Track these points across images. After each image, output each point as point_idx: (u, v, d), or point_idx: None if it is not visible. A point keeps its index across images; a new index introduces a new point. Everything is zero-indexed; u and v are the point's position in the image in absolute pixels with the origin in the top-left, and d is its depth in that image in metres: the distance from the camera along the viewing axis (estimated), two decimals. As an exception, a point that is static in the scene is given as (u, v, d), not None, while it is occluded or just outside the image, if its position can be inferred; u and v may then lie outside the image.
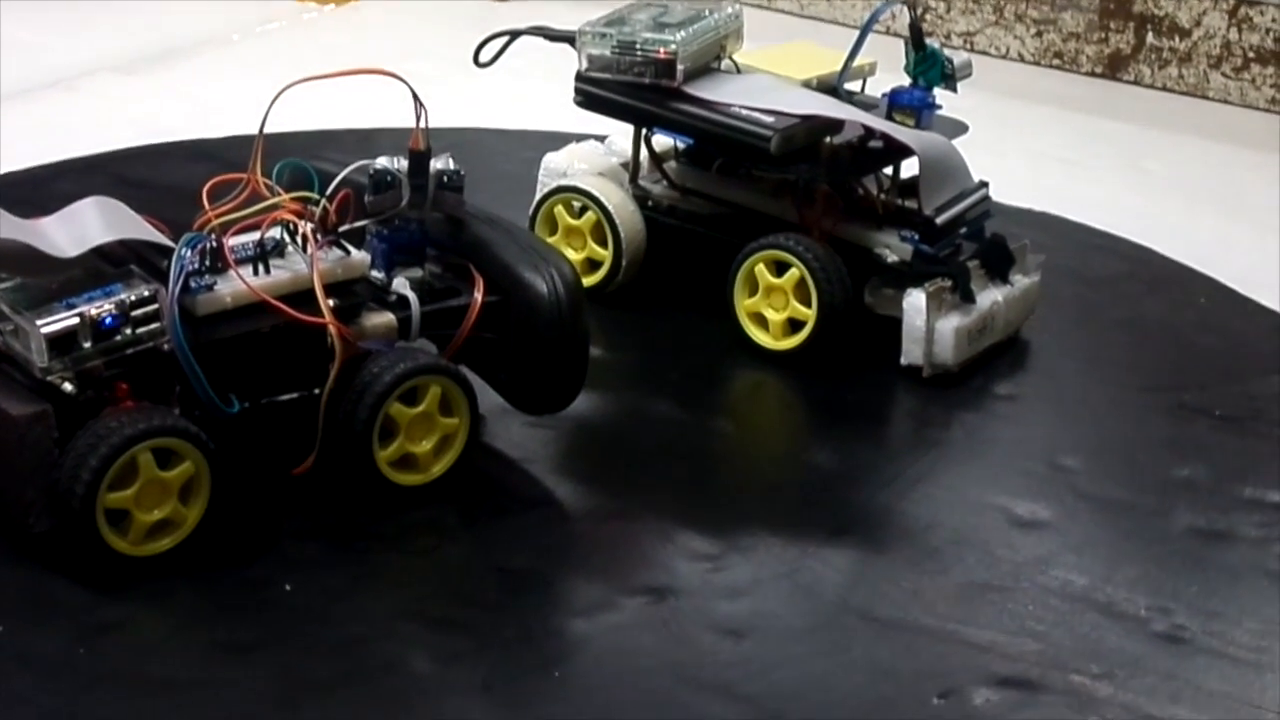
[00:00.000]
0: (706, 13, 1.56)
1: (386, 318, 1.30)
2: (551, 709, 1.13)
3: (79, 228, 1.25)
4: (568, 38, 1.57)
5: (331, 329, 1.25)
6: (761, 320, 1.55)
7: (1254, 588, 1.29)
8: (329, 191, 1.30)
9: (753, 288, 1.54)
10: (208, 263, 1.23)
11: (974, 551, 1.30)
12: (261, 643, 1.16)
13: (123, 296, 1.20)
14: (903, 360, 1.51)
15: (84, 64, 2.14)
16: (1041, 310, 1.61)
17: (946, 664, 1.18)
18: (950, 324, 1.50)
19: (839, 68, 1.59)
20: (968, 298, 1.52)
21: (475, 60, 1.59)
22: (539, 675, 1.16)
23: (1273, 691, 1.18)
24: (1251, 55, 2.24)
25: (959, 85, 1.58)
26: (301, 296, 1.25)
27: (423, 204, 1.33)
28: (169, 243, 1.25)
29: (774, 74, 1.59)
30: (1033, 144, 2.07)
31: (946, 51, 1.57)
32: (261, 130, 1.29)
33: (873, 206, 1.57)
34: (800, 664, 1.18)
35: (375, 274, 1.32)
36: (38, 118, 1.98)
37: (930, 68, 1.56)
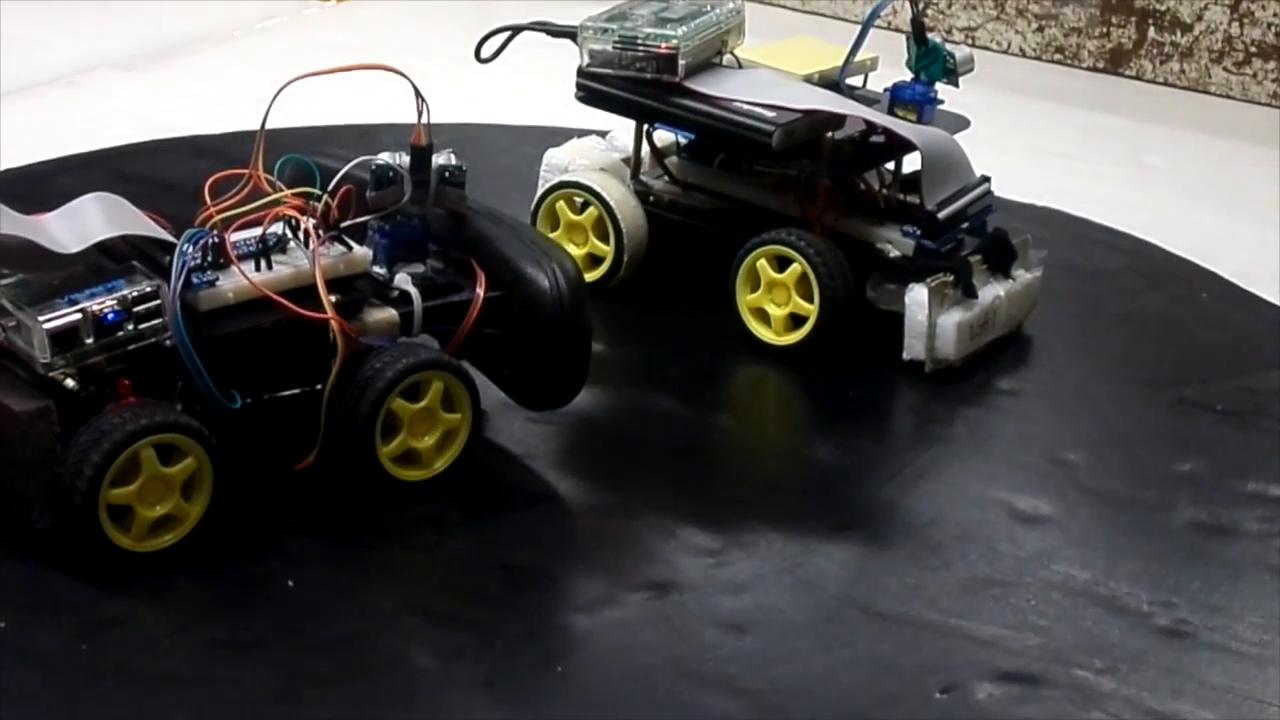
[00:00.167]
0: (708, 8, 1.56)
1: (388, 313, 1.30)
2: (554, 704, 1.13)
3: (81, 224, 1.25)
4: (569, 33, 1.57)
5: (333, 325, 1.25)
6: (763, 315, 1.54)
7: (1256, 582, 1.29)
8: (331, 187, 1.30)
9: (755, 283, 1.54)
10: (210, 258, 1.23)
11: (976, 546, 1.30)
12: (263, 639, 1.16)
13: (125, 292, 1.20)
14: (905, 355, 1.51)
15: (85, 60, 2.14)
16: (1043, 305, 1.61)
17: (949, 659, 1.18)
18: (952, 319, 1.50)
19: (841, 63, 1.59)
20: (969, 293, 1.52)
21: (477, 56, 1.59)
22: (541, 671, 1.16)
23: (1275, 685, 1.18)
24: (1253, 50, 2.24)
25: (961, 80, 1.58)
26: (304, 292, 1.25)
27: (425, 199, 1.33)
28: (171, 238, 1.25)
29: (776, 69, 1.59)
30: (1034, 139, 2.06)
31: (948, 46, 1.57)
32: (263, 126, 1.29)
33: (874, 201, 1.57)
34: (802, 659, 1.18)
35: (377, 269, 1.32)
36: (38, 114, 1.98)
37: (932, 63, 1.56)
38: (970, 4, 2.37)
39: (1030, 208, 1.82)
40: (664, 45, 1.52)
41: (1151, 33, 2.29)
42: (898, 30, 1.65)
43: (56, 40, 2.20)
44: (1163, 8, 2.28)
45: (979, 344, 1.54)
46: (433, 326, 1.33)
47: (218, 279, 1.23)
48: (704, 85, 1.54)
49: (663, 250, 1.62)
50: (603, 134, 1.70)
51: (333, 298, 1.26)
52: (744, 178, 1.61)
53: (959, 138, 1.57)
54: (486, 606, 1.21)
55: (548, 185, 1.63)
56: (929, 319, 1.49)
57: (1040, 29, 2.34)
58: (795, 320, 1.53)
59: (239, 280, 1.23)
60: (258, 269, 1.24)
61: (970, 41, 2.33)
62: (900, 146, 1.55)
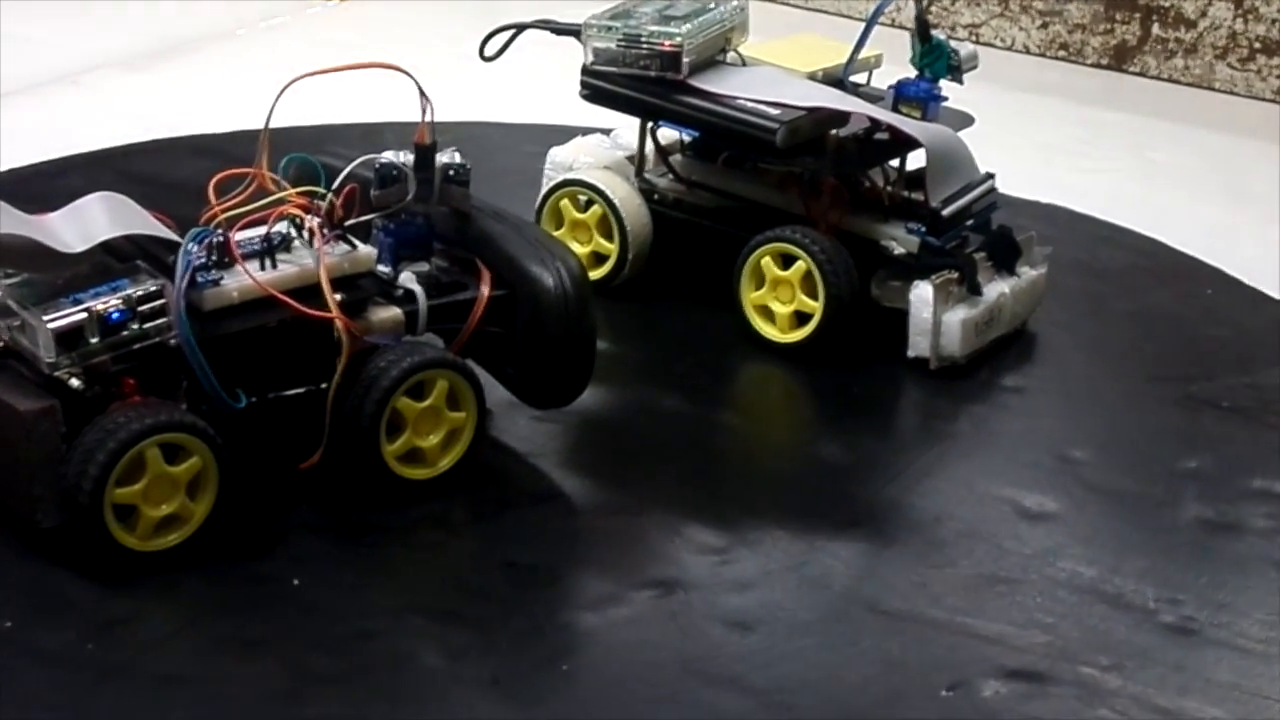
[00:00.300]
0: (712, 5, 1.56)
1: (393, 312, 1.30)
2: (560, 703, 1.13)
3: (85, 223, 1.25)
4: (573, 31, 1.57)
5: (338, 323, 1.25)
6: (768, 313, 1.54)
7: (1263, 578, 1.28)
8: (335, 186, 1.30)
9: (759, 281, 1.54)
10: (214, 258, 1.23)
11: (982, 544, 1.30)
12: (269, 638, 1.16)
13: (130, 292, 1.20)
14: (910, 352, 1.51)
15: (88, 60, 2.14)
16: (1048, 302, 1.61)
17: (955, 656, 1.18)
18: (957, 316, 1.50)
19: (844, 60, 1.59)
20: (974, 290, 1.52)
21: (480, 54, 1.58)
22: (547, 669, 1.16)
23: (1282, 682, 1.18)
24: (1258, 46, 2.24)
25: (965, 77, 1.57)
26: (308, 291, 1.25)
27: (429, 198, 1.33)
28: (175, 237, 1.25)
29: (779, 66, 1.58)
30: (1038, 136, 2.06)
31: (952, 43, 1.57)
32: (267, 125, 1.29)
33: (879, 199, 1.57)
34: (809, 656, 1.18)
35: (381, 268, 1.32)
36: (42, 114, 1.98)
37: (936, 60, 1.56)
38: (974, 1, 2.37)
39: (1035, 204, 1.82)
40: (668, 43, 1.52)
41: (1156, 29, 2.29)
42: (901, 27, 1.65)
43: (60, 40, 2.20)
44: (1167, 4, 2.27)
45: (984, 341, 1.53)
46: (437, 325, 1.33)
47: (222, 278, 1.23)
48: (708, 83, 1.53)
49: (667, 248, 1.61)
50: (607, 132, 1.70)
51: (337, 297, 1.26)
52: (748, 175, 1.61)
53: (963, 135, 1.56)
54: (492, 605, 1.21)
55: (552, 183, 1.63)
56: (934, 316, 1.49)
57: (1044, 25, 2.34)
58: (800, 318, 1.53)
59: (244, 279, 1.23)
60: (262, 268, 1.24)
61: (974, 38, 2.33)
62: (905, 144, 1.55)
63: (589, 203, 1.61)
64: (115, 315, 1.19)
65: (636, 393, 1.49)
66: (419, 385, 1.28)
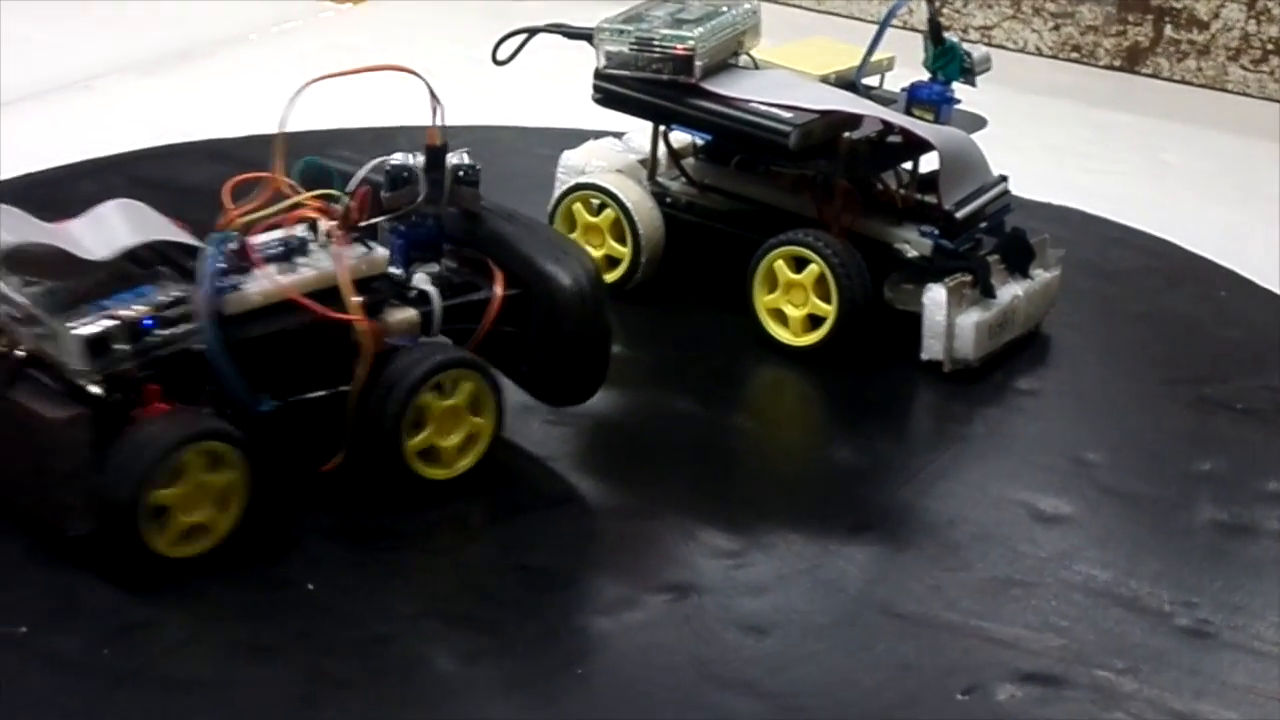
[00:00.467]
0: (724, 9, 1.56)
1: (409, 313, 1.30)
2: (574, 707, 1.13)
3: (107, 230, 1.25)
4: (585, 35, 1.57)
5: (361, 325, 1.25)
6: (781, 316, 1.54)
7: (1277, 581, 1.28)
8: (350, 188, 1.30)
9: (772, 284, 1.54)
10: (233, 262, 1.23)
11: (996, 547, 1.30)
12: (284, 642, 1.16)
13: (156, 298, 1.20)
14: (923, 355, 1.51)
15: (101, 65, 2.14)
16: (1061, 304, 1.61)
17: (970, 660, 1.18)
18: (970, 319, 1.50)
19: (857, 63, 1.59)
20: (988, 292, 1.52)
21: (493, 58, 1.59)
22: (562, 673, 1.16)
23: (1298, 685, 1.18)
24: (1270, 47, 2.23)
25: (977, 79, 1.57)
26: (326, 294, 1.25)
27: (439, 199, 1.34)
28: (196, 242, 1.24)
29: (792, 70, 1.58)
30: (1051, 138, 2.06)
31: (965, 46, 1.57)
32: (282, 129, 1.29)
33: (892, 201, 1.57)
34: (823, 660, 1.18)
35: (393, 270, 1.32)
36: (56, 118, 1.99)
37: (949, 62, 1.56)
38: (986, 2, 2.37)
39: (1048, 207, 1.82)
40: (680, 46, 1.52)
41: (1168, 30, 2.28)
42: (914, 30, 1.64)
43: (72, 45, 2.20)
44: (1179, 5, 2.27)
45: (997, 344, 1.53)
46: (451, 326, 1.33)
47: (241, 283, 1.23)
48: (720, 86, 1.53)
49: (680, 251, 1.61)
50: (619, 135, 1.70)
51: (357, 299, 1.25)
52: (761, 178, 1.61)
53: (976, 137, 1.56)
54: (506, 608, 1.21)
55: (565, 187, 1.63)
56: (947, 319, 1.49)
57: (1056, 27, 2.34)
58: (813, 321, 1.53)
59: (264, 283, 1.23)
60: (281, 272, 1.24)
61: (986, 40, 2.33)
62: (918, 146, 1.54)
63: (602, 206, 1.61)
64: (146, 322, 1.19)
65: (650, 396, 1.49)
66: (441, 384, 1.28)
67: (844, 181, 1.55)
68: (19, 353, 1.21)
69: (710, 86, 1.53)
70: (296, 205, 1.28)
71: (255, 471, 1.21)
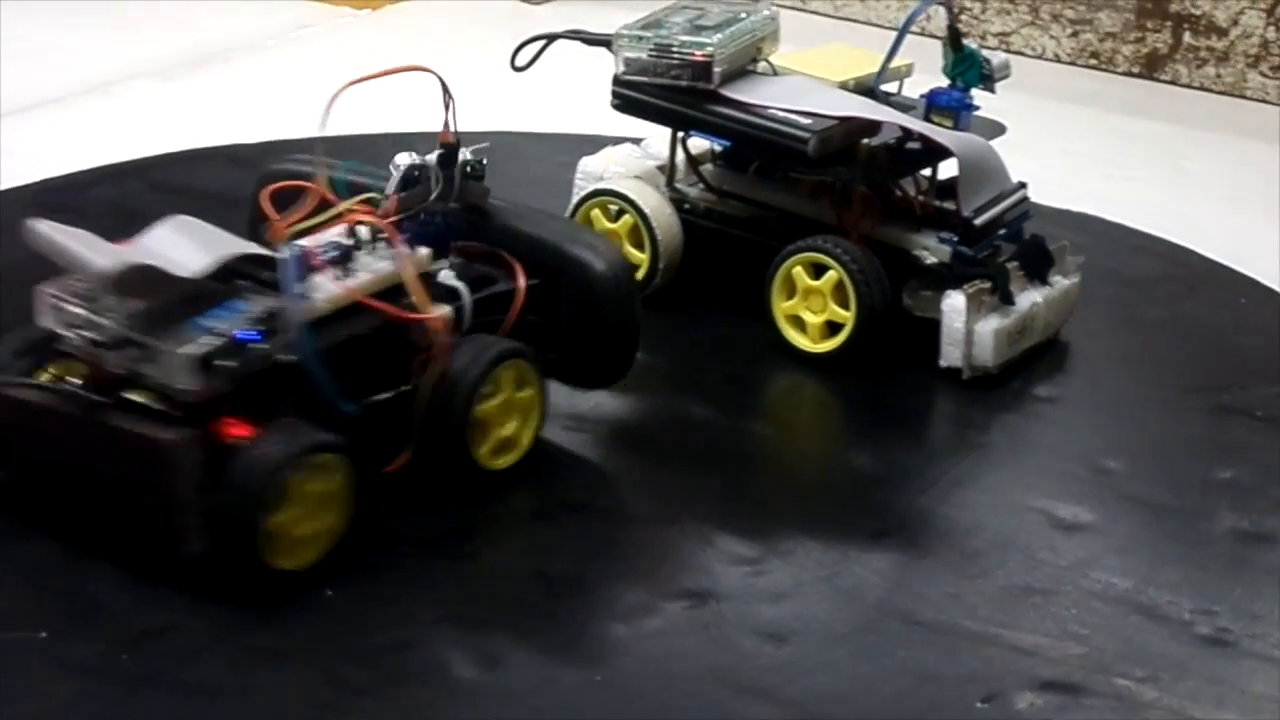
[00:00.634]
0: (743, 15, 1.56)
1: (445, 310, 1.31)
2: (593, 713, 1.13)
3: (179, 249, 1.22)
4: (604, 41, 1.57)
5: (433, 324, 1.27)
6: (799, 323, 1.54)
7: (1299, 590, 1.28)
8: (391, 189, 1.31)
9: (790, 290, 1.54)
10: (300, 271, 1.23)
11: (1016, 554, 1.30)
12: (303, 648, 1.16)
13: (252, 312, 1.19)
14: (942, 362, 1.51)
15: (120, 70, 2.15)
16: (1081, 311, 1.60)
17: (990, 668, 1.18)
18: (990, 326, 1.50)
19: (876, 69, 1.59)
20: (1007, 299, 1.52)
21: (512, 64, 1.59)
22: (580, 680, 1.15)
23: (1319, 695, 1.17)
24: (1290, 54, 2.23)
25: (997, 86, 1.57)
26: (382, 295, 1.26)
27: (450, 196, 1.35)
28: (272, 253, 1.24)
29: (811, 76, 1.58)
30: (1069, 144, 2.06)
31: (984, 52, 1.57)
32: (320, 134, 1.28)
33: (911, 208, 1.56)
34: (842, 668, 1.18)
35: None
36: (76, 124, 1.99)
37: (968, 69, 1.56)
38: (1005, 9, 2.36)
39: (1066, 213, 1.81)
40: (699, 53, 1.52)
41: (1187, 37, 2.28)
42: (931, 36, 1.64)
43: (93, 50, 2.21)
44: (1198, 12, 2.27)
45: (1016, 351, 1.53)
46: (479, 319, 1.34)
47: (308, 290, 1.23)
48: (739, 92, 1.53)
49: (698, 258, 1.61)
50: (637, 141, 1.70)
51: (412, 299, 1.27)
52: (779, 185, 1.61)
53: (995, 144, 1.56)
54: (525, 615, 1.21)
55: (583, 193, 1.63)
56: (966, 326, 1.49)
57: (1075, 34, 2.34)
58: (831, 327, 1.53)
59: (330, 289, 1.24)
60: (340, 277, 1.25)
61: (1004, 47, 2.33)
62: (937, 153, 1.54)
63: (620, 212, 1.61)
64: (249, 336, 1.18)
65: (668, 402, 1.49)
66: (499, 376, 1.31)
67: (863, 188, 1.54)
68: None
69: (729, 93, 1.53)
70: (347, 211, 1.29)
71: (357, 477, 1.22)
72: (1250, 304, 1.70)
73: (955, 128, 1.55)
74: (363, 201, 1.31)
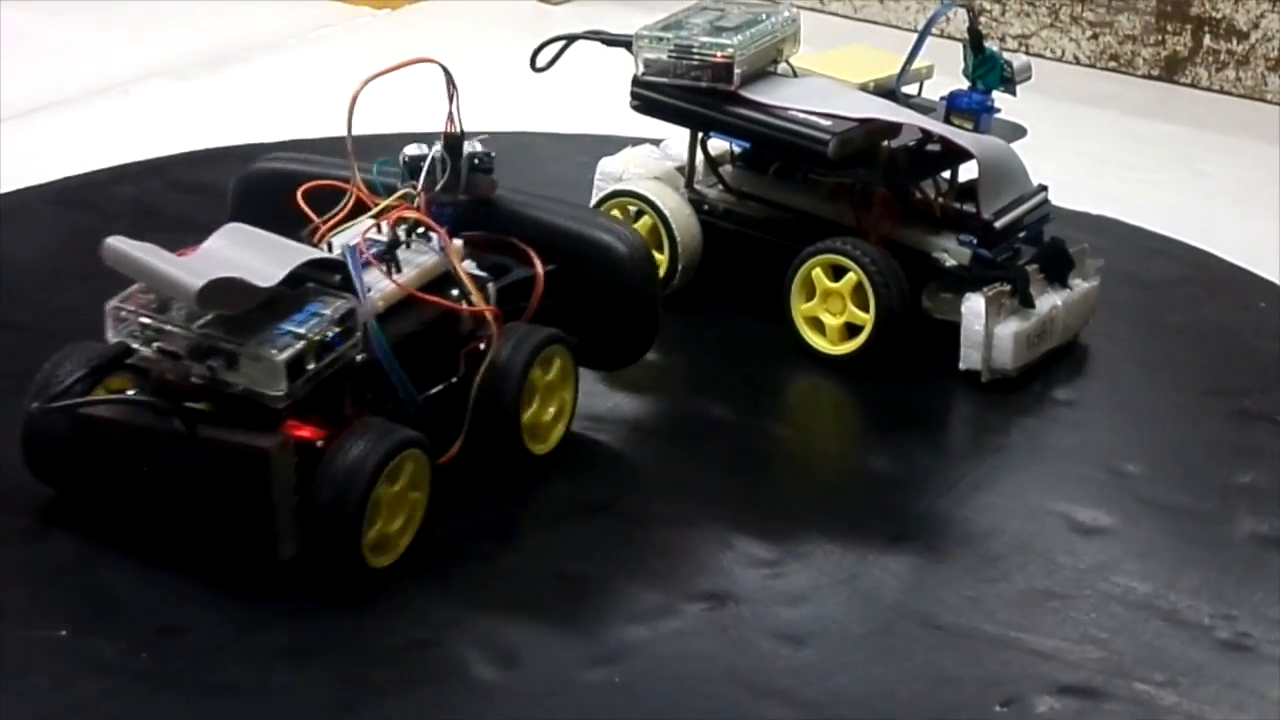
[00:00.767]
0: (763, 16, 1.56)
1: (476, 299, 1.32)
2: (611, 714, 1.13)
3: (245, 258, 1.23)
4: (624, 42, 1.57)
5: (489, 314, 1.29)
6: (818, 325, 1.54)
7: (1319, 595, 1.28)
8: (421, 183, 1.32)
9: (810, 292, 1.54)
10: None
11: (1035, 558, 1.29)
12: (322, 648, 1.16)
13: (330, 314, 1.20)
14: (961, 365, 1.51)
15: (140, 69, 2.15)
16: (1100, 314, 1.60)
17: (1009, 672, 1.18)
18: (1009, 329, 1.50)
19: (896, 71, 1.59)
20: (1027, 302, 1.51)
21: (532, 65, 1.59)
22: (599, 680, 1.15)
23: (1339, 700, 1.17)
24: (1310, 57, 2.22)
25: (1017, 89, 1.57)
26: (427, 289, 1.28)
27: (456, 187, 1.35)
28: (331, 257, 1.26)
29: (831, 77, 1.58)
30: (1089, 147, 2.05)
31: (1005, 55, 1.56)
32: (350, 132, 1.29)
33: (931, 210, 1.56)
34: (861, 671, 1.18)
35: None
36: (96, 123, 2.00)
37: (989, 71, 1.55)
38: (1024, 11, 2.36)
39: (1086, 216, 1.81)
40: (719, 54, 1.52)
41: (1207, 40, 2.27)
42: (950, 38, 1.64)
43: (112, 49, 2.21)
44: (1218, 15, 2.26)
45: (1036, 354, 1.53)
46: (500, 307, 1.34)
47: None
48: (759, 94, 1.53)
49: (717, 259, 1.61)
50: (657, 142, 1.70)
51: (455, 291, 1.29)
52: (799, 186, 1.61)
53: (1015, 146, 1.56)
54: (543, 616, 1.21)
55: (602, 194, 1.63)
56: (986, 329, 1.49)
57: (1094, 36, 2.33)
58: (850, 330, 1.52)
59: (384, 286, 1.25)
60: (389, 273, 1.26)
61: (1024, 49, 2.32)
62: (957, 155, 1.54)
63: (639, 213, 1.61)
64: (331, 338, 1.20)
65: (686, 403, 1.49)
66: (544, 362, 1.33)
67: (882, 190, 1.54)
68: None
69: (749, 94, 1.53)
70: (388, 208, 1.31)
71: (434, 467, 1.24)
72: (1270, 308, 1.69)
73: (975, 130, 1.54)
74: (401, 198, 1.32)
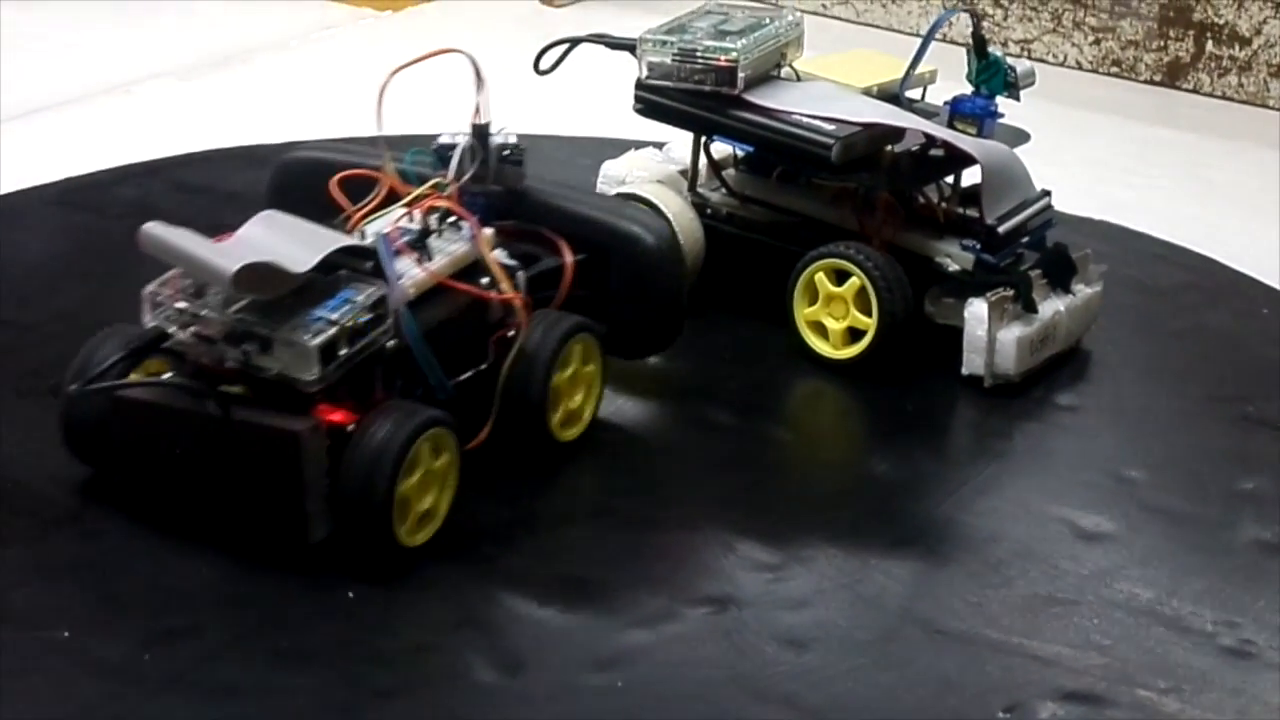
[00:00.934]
0: (767, 20, 1.56)
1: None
2: (614, 719, 1.13)
3: (282, 244, 1.24)
4: (628, 45, 1.57)
5: (518, 303, 1.31)
6: (821, 329, 1.54)
7: (1321, 602, 1.27)
8: (452, 173, 1.33)
9: (812, 296, 1.54)
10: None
11: (1037, 564, 1.29)
12: (324, 650, 1.16)
13: (362, 300, 1.22)
14: (964, 370, 1.50)
15: (141, 70, 2.15)
16: (1103, 321, 1.60)
17: (1012, 678, 1.18)
18: (1012, 334, 1.49)
19: (900, 75, 1.59)
20: (1029, 307, 1.51)
21: (535, 67, 1.59)
22: (601, 685, 1.15)
23: (1342, 707, 1.17)
24: (1312, 63, 2.22)
25: (1021, 94, 1.57)
26: (457, 277, 1.30)
27: (485, 177, 1.37)
28: (363, 244, 1.27)
29: (835, 82, 1.58)
30: (1091, 152, 2.05)
31: (1009, 60, 1.56)
32: (379, 120, 1.30)
33: (934, 215, 1.56)
34: (863, 676, 1.18)
35: None
36: (98, 123, 1.99)
37: (993, 76, 1.55)
38: (1027, 16, 2.36)
39: (1089, 222, 1.81)
40: (723, 58, 1.52)
41: (1210, 46, 2.27)
42: (953, 43, 1.64)
43: (113, 50, 2.21)
44: (1221, 21, 2.26)
45: (1039, 359, 1.53)
46: (530, 295, 1.35)
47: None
48: (763, 98, 1.53)
49: (720, 263, 1.61)
50: (660, 146, 1.70)
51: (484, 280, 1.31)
52: (802, 190, 1.60)
53: (1019, 151, 1.56)
54: (546, 620, 1.21)
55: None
56: (989, 334, 1.49)
57: (1097, 42, 2.33)
58: (853, 334, 1.52)
59: (415, 274, 1.27)
60: (420, 261, 1.28)
61: (1026, 54, 2.32)
62: (960, 160, 1.54)
63: (642, 217, 1.60)
64: (363, 323, 1.22)
65: (688, 407, 1.49)
66: (573, 349, 1.35)
67: (886, 194, 1.54)
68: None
69: (752, 98, 1.53)
70: (420, 197, 1.32)
71: (462, 450, 1.26)
72: (1273, 314, 1.69)
73: (979, 135, 1.54)
74: (433, 188, 1.34)
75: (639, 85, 1.57)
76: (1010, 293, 1.50)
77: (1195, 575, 1.29)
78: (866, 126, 1.51)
